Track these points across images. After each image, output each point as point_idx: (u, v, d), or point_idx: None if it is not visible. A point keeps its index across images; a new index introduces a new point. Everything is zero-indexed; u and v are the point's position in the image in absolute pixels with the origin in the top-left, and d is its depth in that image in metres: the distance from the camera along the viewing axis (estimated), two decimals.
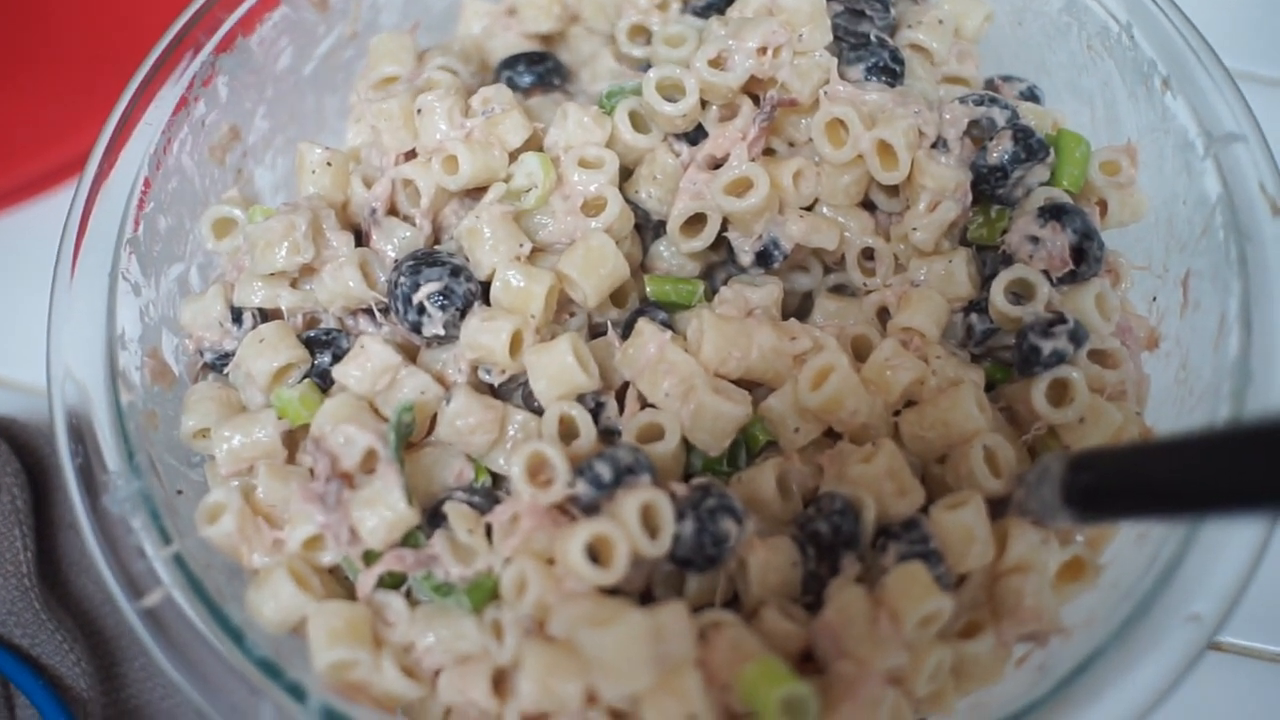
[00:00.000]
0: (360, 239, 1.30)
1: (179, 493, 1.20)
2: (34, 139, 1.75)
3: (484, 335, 1.19)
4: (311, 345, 1.26)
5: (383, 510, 1.13)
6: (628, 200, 1.27)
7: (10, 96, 1.80)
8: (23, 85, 1.81)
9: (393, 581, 1.16)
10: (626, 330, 1.25)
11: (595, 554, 1.06)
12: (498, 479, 1.21)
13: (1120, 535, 1.19)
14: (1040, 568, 1.13)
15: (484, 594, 1.12)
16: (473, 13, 1.50)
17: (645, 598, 1.16)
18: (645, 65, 1.34)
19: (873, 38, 1.28)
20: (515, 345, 1.20)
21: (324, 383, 1.25)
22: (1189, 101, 1.27)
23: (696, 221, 1.27)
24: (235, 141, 1.43)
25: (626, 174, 1.31)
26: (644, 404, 1.21)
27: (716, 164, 1.28)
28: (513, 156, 1.28)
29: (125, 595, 1.11)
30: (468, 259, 1.24)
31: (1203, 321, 1.24)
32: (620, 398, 1.23)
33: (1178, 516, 1.08)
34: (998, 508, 1.16)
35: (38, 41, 1.84)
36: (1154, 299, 1.31)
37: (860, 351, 1.24)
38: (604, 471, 1.09)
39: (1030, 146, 1.24)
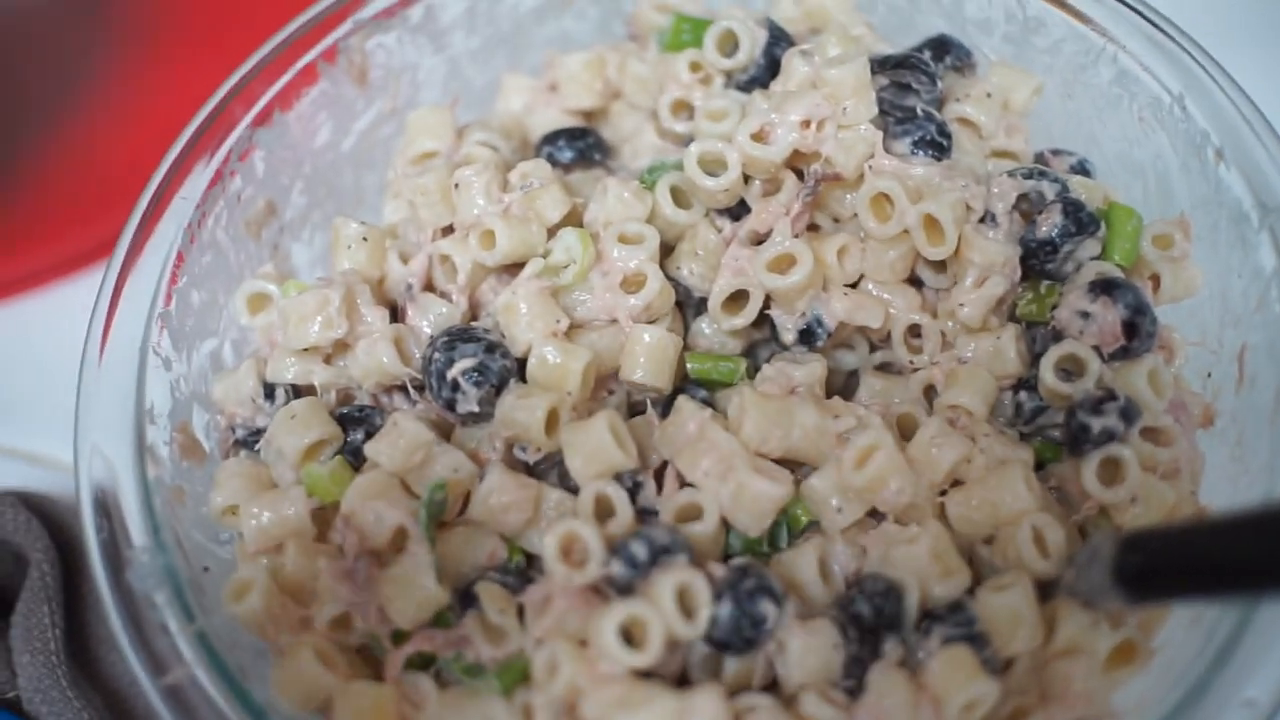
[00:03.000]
0: (396, 315, 1.29)
1: (206, 570, 1.19)
2: (72, 217, 1.76)
3: (519, 412, 1.17)
4: (344, 422, 1.24)
5: (412, 589, 1.11)
6: (668, 277, 1.25)
7: (49, 174, 1.81)
8: (62, 162, 1.82)
9: (422, 662, 1.14)
10: (666, 408, 1.23)
11: (629, 636, 1.03)
12: (531, 559, 1.19)
13: (1173, 618, 1.15)
14: (1090, 651, 1.10)
15: (515, 676, 1.09)
16: (513, 89, 1.50)
17: (681, 682, 1.12)
18: (687, 141, 1.33)
19: (919, 111, 1.26)
20: (551, 423, 1.18)
21: (356, 460, 1.23)
22: (1243, 173, 1.25)
23: (738, 298, 1.25)
24: (271, 217, 1.42)
25: (667, 250, 1.29)
26: (683, 483, 1.17)
27: (759, 240, 1.26)
28: (551, 232, 1.27)
29: (147, 672, 1.09)
30: (504, 335, 1.22)
31: (1259, 397, 1.21)
32: (659, 477, 1.20)
33: (1232, 597, 1.05)
34: (1047, 590, 1.13)
35: (79, 119, 1.86)
36: (1209, 375, 1.28)
37: (906, 431, 1.21)
38: (639, 551, 1.07)
39: (1080, 220, 1.22)
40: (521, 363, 1.22)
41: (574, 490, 1.17)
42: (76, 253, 1.74)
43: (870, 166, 1.24)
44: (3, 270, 1.75)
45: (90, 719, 1.35)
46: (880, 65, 1.29)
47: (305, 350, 1.25)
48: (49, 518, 1.49)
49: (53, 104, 1.88)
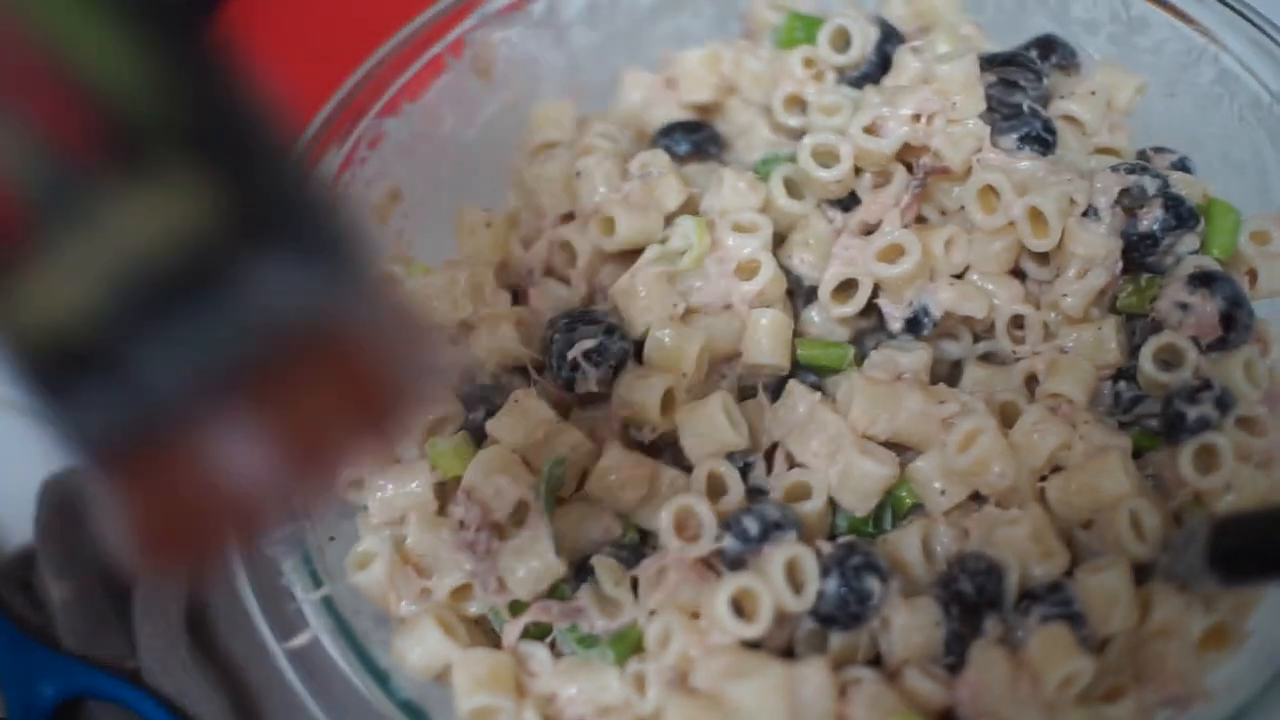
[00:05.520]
0: (517, 299, 1.33)
1: (331, 539, 1.23)
2: None
3: (636, 393, 1.21)
4: (465, 400, 1.28)
5: (531, 560, 1.14)
6: (780, 265, 1.29)
7: None
8: None
9: (538, 633, 1.17)
10: (775, 393, 1.26)
11: (740, 608, 1.07)
12: (645, 536, 1.22)
13: (1265, 603, 1.17)
14: (1184, 632, 1.12)
15: (628, 646, 1.13)
16: (632, 83, 1.52)
17: (788, 657, 1.15)
18: (800, 135, 1.35)
19: (1025, 108, 1.28)
20: (667, 403, 1.21)
21: (476, 438, 1.26)
22: None
23: (847, 287, 1.28)
24: (396, 203, 1.45)
25: (779, 240, 1.32)
26: (792, 464, 1.21)
27: (869, 230, 1.29)
28: (668, 220, 1.30)
29: (274, 635, 1.14)
30: (621, 318, 1.26)
31: None
32: (769, 458, 1.23)
33: None
34: (1143, 573, 1.15)
35: None
36: None
37: (1008, 418, 1.23)
38: (751, 526, 1.10)
39: (1180, 214, 1.24)
40: (638, 345, 1.25)
41: (687, 469, 1.20)
42: None
43: (977, 160, 1.27)
44: None
45: (210, 690, 1.38)
46: (988, 63, 1.31)
47: None
48: None
49: None
